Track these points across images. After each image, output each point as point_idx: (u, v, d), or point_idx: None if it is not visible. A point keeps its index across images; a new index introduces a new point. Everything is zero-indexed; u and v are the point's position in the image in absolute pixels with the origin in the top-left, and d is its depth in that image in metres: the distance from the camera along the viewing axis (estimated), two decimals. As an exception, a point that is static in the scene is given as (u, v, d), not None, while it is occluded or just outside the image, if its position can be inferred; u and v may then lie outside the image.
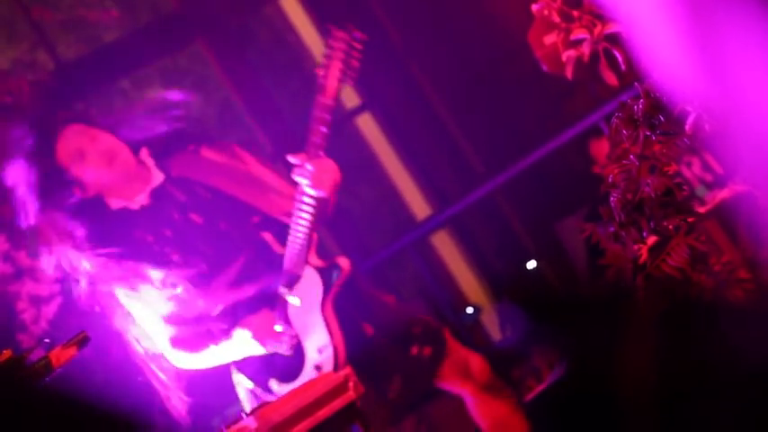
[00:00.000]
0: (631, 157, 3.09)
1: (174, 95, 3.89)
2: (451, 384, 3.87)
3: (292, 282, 3.74)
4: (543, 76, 3.91)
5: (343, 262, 3.81)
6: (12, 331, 5.42)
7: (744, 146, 2.80)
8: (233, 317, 3.77)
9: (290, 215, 3.69)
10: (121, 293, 3.74)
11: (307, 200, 3.64)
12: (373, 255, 6.64)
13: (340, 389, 3.28)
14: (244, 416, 3.19)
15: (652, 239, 3.07)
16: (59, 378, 2.79)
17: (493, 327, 6.80)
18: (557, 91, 6.60)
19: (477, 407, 3.87)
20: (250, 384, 3.82)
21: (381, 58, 6.89)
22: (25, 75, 6.35)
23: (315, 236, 3.75)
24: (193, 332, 3.78)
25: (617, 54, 3.31)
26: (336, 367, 3.71)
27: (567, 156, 6.58)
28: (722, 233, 3.18)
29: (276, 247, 3.79)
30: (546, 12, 3.47)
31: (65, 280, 5.77)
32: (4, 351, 2.74)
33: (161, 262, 3.73)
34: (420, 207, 7.15)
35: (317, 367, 3.74)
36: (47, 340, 2.99)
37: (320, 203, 3.67)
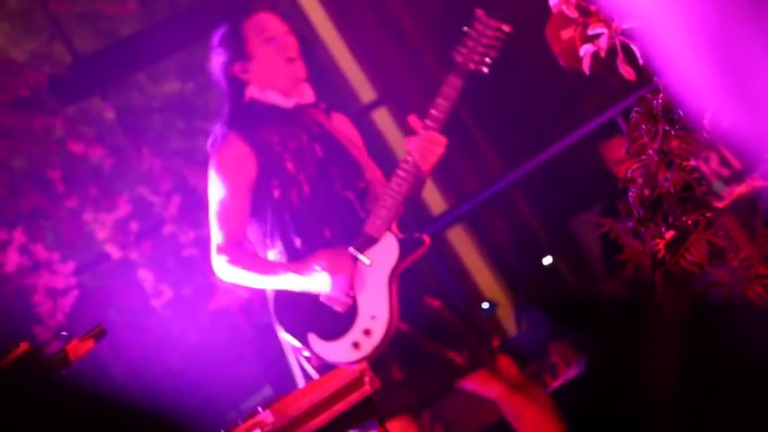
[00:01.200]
0: (650, 152, 3.08)
1: None
2: (481, 386, 3.82)
3: (368, 243, 3.74)
4: (560, 70, 3.90)
5: (426, 238, 3.82)
6: (28, 324, 5.44)
7: (762, 141, 2.79)
8: (308, 246, 3.76)
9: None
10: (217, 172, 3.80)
11: (406, 167, 3.69)
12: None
13: (356, 383, 3.28)
14: (260, 410, 3.19)
15: (670, 235, 3.06)
16: (76, 371, 2.79)
17: (508, 322, 6.79)
18: (574, 86, 6.59)
19: (511, 408, 3.81)
20: (295, 342, 3.76)
21: (397, 53, 6.88)
22: (42, 67, 6.37)
23: (402, 208, 3.77)
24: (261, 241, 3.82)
25: (635, 48, 3.29)
26: (384, 338, 3.69)
27: (583, 151, 6.56)
28: (739, 229, 3.16)
29: (361, 212, 3.83)
30: (563, 6, 3.46)
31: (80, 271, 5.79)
32: (21, 344, 2.75)
33: (275, 163, 3.78)
34: (436, 202, 7.15)
35: (366, 331, 3.70)
36: (64, 333, 2.99)
37: (416, 175, 3.70)
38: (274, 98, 3.87)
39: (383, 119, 7.21)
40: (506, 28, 3.69)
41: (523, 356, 5.36)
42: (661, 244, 3.04)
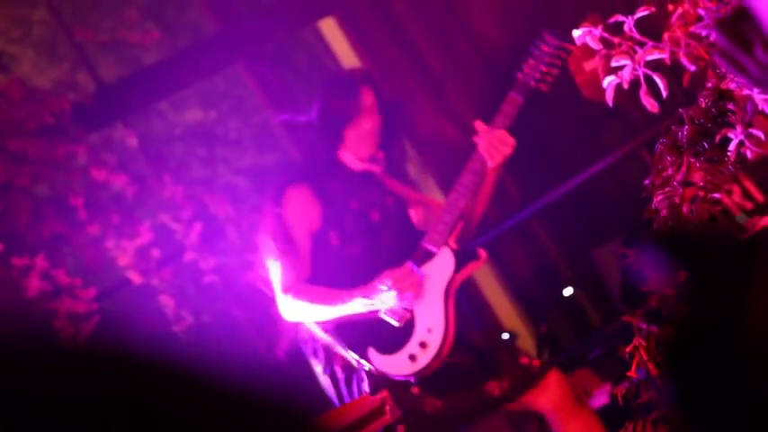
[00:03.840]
0: (674, 183, 3.08)
1: None
2: (530, 401, 3.85)
3: (425, 258, 3.78)
4: (583, 101, 3.90)
5: (482, 252, 3.87)
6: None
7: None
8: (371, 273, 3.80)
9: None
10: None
11: (466, 179, 3.75)
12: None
13: (377, 412, 3.27)
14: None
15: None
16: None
17: (528, 352, 6.75)
18: (596, 117, 6.59)
19: (559, 424, 3.83)
20: (355, 357, 3.77)
21: (417, 80, 6.90)
22: (66, 95, 6.41)
23: (461, 223, 3.82)
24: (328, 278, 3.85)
25: (658, 80, 3.30)
26: (440, 351, 3.71)
27: (605, 183, 6.55)
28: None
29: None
30: (587, 38, 3.47)
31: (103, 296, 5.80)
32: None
33: (336, 215, 3.87)
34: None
35: (422, 344, 3.72)
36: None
37: (478, 183, 3.76)
38: (352, 161, 3.98)
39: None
40: (570, 48, 3.73)
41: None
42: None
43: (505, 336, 6.55)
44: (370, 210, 3.91)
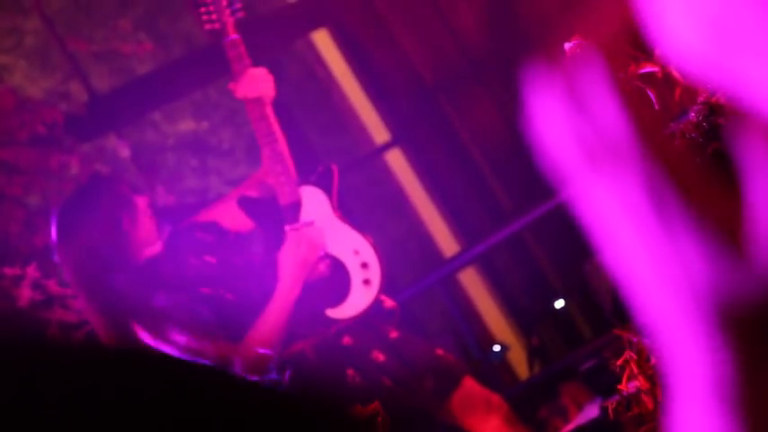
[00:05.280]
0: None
1: None
2: (477, 421, 3.85)
3: (296, 210, 3.75)
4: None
5: (332, 165, 3.85)
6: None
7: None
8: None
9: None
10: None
11: (258, 122, 3.73)
12: (401, 291, 6.63)
13: (367, 425, 3.27)
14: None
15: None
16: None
17: (520, 365, 6.76)
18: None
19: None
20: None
21: (411, 94, 6.91)
22: (59, 105, 6.41)
23: (290, 160, 3.80)
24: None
25: (650, 94, 3.30)
26: (380, 257, 3.71)
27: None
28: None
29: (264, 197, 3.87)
30: (578, 50, 3.47)
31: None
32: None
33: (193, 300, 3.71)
34: (448, 244, 7.15)
35: (363, 265, 3.72)
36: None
37: (269, 121, 3.73)
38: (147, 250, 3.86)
39: (396, 161, 7.23)
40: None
41: (534, 400, 5.34)
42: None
43: (497, 347, 6.55)
44: (215, 283, 3.76)
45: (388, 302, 3.90)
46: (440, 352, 3.92)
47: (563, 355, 6.28)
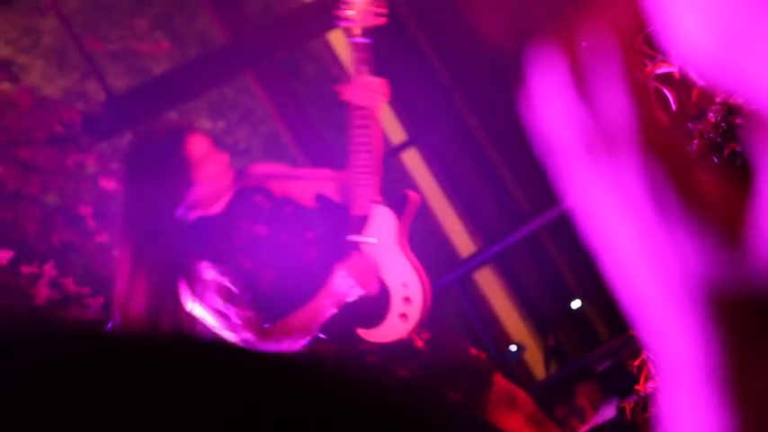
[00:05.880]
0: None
1: None
2: (498, 415, 3.84)
3: (363, 224, 3.74)
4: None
5: (409, 192, 3.84)
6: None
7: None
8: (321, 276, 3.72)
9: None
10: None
11: (358, 130, 3.71)
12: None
13: None
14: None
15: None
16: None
17: (536, 365, 6.75)
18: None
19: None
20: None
21: (428, 94, 6.91)
22: (76, 104, 6.43)
23: (378, 176, 3.78)
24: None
25: (668, 94, 3.29)
26: (424, 297, 3.70)
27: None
28: None
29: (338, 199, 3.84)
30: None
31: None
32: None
33: (233, 269, 3.70)
34: (464, 244, 7.14)
35: (405, 299, 3.71)
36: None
37: (369, 132, 3.70)
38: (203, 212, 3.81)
39: (413, 160, 7.23)
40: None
41: (551, 400, 5.33)
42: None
43: (513, 348, 6.54)
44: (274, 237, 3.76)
45: (419, 342, 3.88)
46: (473, 351, 3.91)
47: (579, 356, 6.27)
